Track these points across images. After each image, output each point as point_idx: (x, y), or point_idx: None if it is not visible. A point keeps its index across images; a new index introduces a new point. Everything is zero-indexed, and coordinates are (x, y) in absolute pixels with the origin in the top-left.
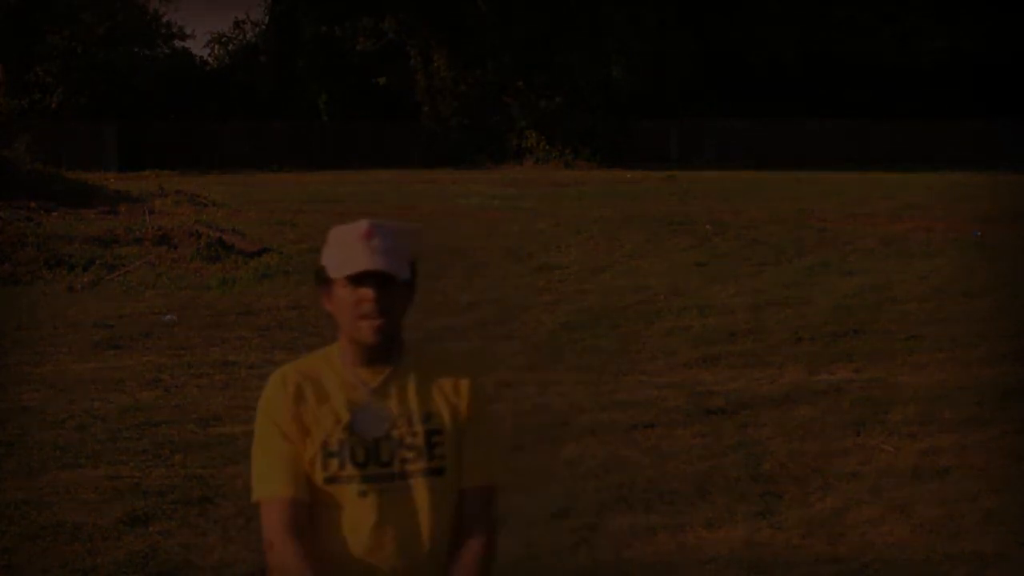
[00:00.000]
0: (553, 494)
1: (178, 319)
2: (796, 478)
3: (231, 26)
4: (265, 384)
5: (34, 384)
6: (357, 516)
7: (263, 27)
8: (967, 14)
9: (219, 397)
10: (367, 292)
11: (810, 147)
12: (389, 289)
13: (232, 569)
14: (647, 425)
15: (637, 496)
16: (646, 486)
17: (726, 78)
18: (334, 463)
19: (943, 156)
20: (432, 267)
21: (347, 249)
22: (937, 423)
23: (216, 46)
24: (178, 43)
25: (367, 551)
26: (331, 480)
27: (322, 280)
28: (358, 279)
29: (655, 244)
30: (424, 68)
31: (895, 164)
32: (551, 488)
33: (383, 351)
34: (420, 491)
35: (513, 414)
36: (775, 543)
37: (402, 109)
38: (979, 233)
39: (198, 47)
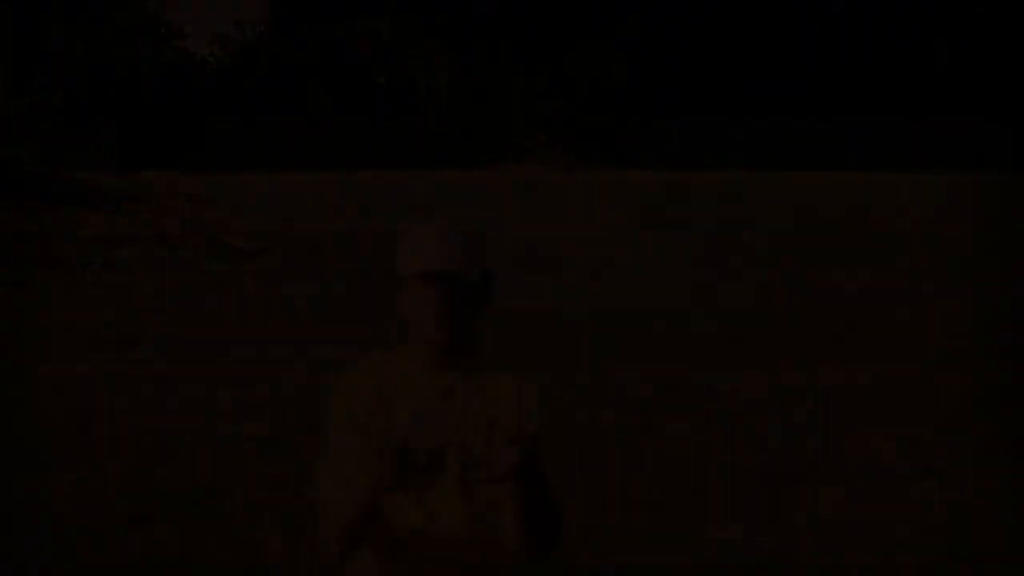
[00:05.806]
0: (552, 493)
1: (178, 319)
2: (796, 478)
3: (231, 26)
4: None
5: (34, 384)
6: (411, 518)
7: (263, 27)
8: (966, 14)
9: (219, 397)
10: (432, 292)
11: (811, 147)
12: (457, 290)
13: (232, 569)
14: (647, 425)
15: (637, 496)
16: (646, 486)
17: (726, 78)
18: (393, 466)
19: (943, 156)
20: None
21: (417, 247)
22: (936, 423)
23: (216, 46)
24: (178, 43)
25: (419, 551)
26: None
27: (395, 279)
28: (427, 278)
29: (656, 244)
30: (424, 68)
31: (896, 164)
32: (550, 487)
33: (453, 355)
34: (478, 496)
35: None
36: (775, 543)
37: (402, 109)
38: None
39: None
